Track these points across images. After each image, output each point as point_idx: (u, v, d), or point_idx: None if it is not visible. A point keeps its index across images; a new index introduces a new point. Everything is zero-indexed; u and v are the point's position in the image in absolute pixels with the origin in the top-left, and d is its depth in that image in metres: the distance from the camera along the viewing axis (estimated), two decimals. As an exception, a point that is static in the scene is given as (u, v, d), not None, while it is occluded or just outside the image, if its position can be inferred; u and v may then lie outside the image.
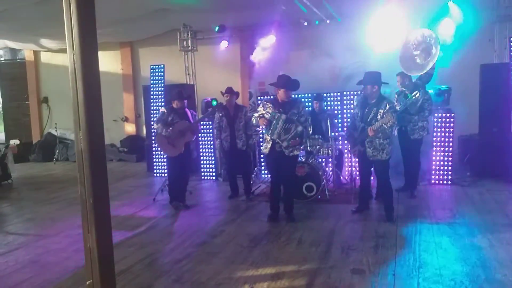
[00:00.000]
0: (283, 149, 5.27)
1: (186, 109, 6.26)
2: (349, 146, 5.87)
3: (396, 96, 6.54)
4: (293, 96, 5.53)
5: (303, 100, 7.40)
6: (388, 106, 5.12)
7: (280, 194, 5.59)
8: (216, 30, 9.68)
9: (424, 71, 6.01)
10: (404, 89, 6.39)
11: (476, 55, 8.09)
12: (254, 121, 5.54)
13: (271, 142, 5.30)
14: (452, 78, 7.37)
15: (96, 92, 2.78)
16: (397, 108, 6.10)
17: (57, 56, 12.99)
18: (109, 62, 12.34)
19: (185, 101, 6.31)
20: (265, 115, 5.33)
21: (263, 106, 5.44)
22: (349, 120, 6.40)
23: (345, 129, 6.85)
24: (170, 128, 5.99)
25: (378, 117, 5.14)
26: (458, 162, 8.10)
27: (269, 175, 6.09)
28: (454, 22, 6.99)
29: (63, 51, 11.71)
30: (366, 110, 5.32)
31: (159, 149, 7.98)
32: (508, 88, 6.92)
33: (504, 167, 7.08)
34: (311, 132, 6.63)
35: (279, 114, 5.21)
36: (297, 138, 5.24)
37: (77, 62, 2.71)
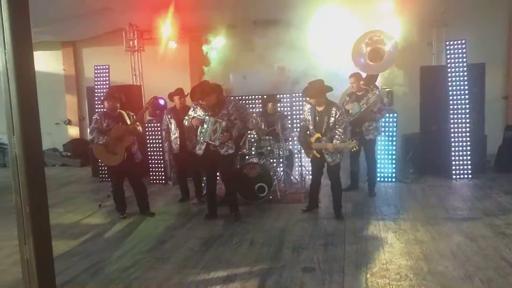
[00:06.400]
0: (218, 149, 5.36)
1: (121, 111, 5.84)
2: (303, 149, 5.86)
3: (347, 97, 6.55)
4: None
5: (248, 101, 7.43)
6: (338, 113, 5.14)
7: (215, 192, 5.72)
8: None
9: (381, 71, 6.10)
10: (365, 88, 6.34)
11: (417, 58, 8.47)
12: (186, 123, 5.57)
13: (205, 144, 5.38)
14: (394, 79, 7.66)
15: (32, 94, 2.61)
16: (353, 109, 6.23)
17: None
18: (49, 62, 11.69)
19: (118, 104, 5.80)
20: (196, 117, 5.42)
21: (193, 110, 5.49)
22: (299, 122, 6.41)
23: (297, 131, 6.86)
24: (105, 137, 5.58)
25: (330, 125, 5.18)
26: (401, 160, 8.46)
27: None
28: (397, 25, 7.29)
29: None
30: (317, 118, 5.30)
31: (99, 161, 7.57)
32: (446, 89, 7.32)
33: (444, 163, 7.48)
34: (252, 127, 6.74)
35: (207, 117, 5.31)
36: (225, 133, 5.30)
37: (9, 63, 2.53)
